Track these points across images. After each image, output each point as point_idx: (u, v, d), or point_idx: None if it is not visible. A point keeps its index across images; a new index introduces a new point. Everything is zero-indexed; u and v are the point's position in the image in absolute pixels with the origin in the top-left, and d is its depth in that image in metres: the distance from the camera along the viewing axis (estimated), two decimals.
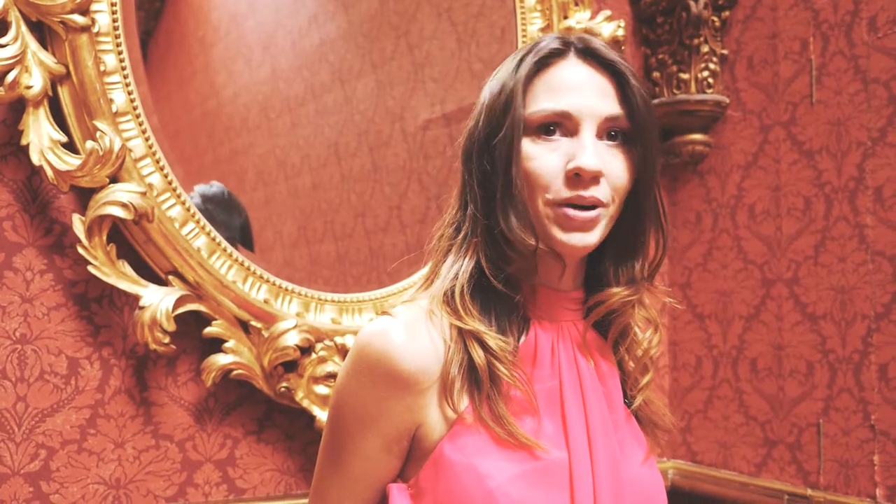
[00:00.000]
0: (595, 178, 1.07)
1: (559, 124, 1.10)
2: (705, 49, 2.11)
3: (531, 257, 1.10)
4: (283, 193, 1.91)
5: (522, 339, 1.12)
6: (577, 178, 1.07)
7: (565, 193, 1.07)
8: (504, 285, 1.11)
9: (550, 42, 1.13)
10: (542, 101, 1.10)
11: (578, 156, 1.07)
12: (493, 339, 1.07)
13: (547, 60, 1.12)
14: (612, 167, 1.10)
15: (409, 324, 1.08)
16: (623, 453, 1.12)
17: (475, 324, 1.07)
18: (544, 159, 1.09)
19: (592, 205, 1.08)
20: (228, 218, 1.76)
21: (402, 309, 1.11)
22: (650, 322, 1.20)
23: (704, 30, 2.10)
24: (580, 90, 1.09)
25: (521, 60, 1.12)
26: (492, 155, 1.11)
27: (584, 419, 1.10)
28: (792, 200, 1.96)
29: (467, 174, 1.16)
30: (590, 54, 1.12)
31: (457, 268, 1.13)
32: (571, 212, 1.07)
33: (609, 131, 1.11)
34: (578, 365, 1.13)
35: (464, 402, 1.06)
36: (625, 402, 1.19)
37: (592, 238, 1.09)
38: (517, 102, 1.09)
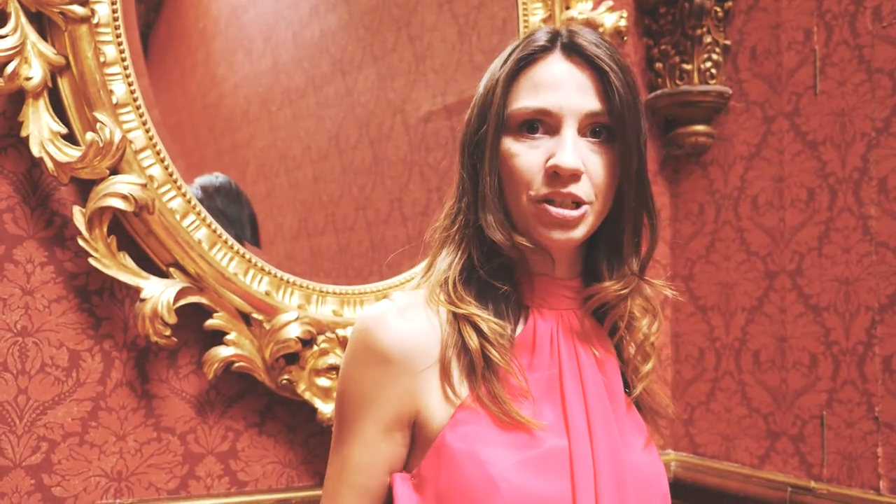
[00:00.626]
0: (574, 175, 1.08)
1: (541, 122, 1.11)
2: (708, 39, 2.10)
3: (513, 251, 1.11)
4: (283, 186, 1.90)
5: (521, 327, 1.13)
6: (555, 175, 1.08)
7: (544, 190, 1.09)
8: (498, 275, 1.13)
9: (540, 37, 1.14)
10: (524, 98, 1.11)
11: (557, 154, 1.08)
12: (486, 322, 1.08)
13: (532, 57, 1.13)
14: (593, 165, 1.10)
15: (405, 308, 1.10)
16: (623, 441, 1.13)
17: (470, 308, 1.08)
18: (525, 157, 1.10)
19: (574, 202, 1.09)
20: (238, 211, 1.75)
21: (401, 295, 1.13)
22: (647, 310, 1.21)
23: (707, 20, 2.09)
24: (561, 87, 1.10)
25: (509, 55, 1.14)
26: (477, 150, 1.14)
27: (584, 407, 1.11)
28: (795, 192, 1.95)
29: (461, 167, 1.18)
30: (574, 49, 1.12)
31: (450, 259, 1.15)
32: (552, 210, 1.08)
33: (592, 128, 1.12)
34: (578, 353, 1.14)
35: (464, 389, 1.07)
36: (625, 391, 1.20)
37: (575, 234, 1.11)
38: (497, 100, 1.11)
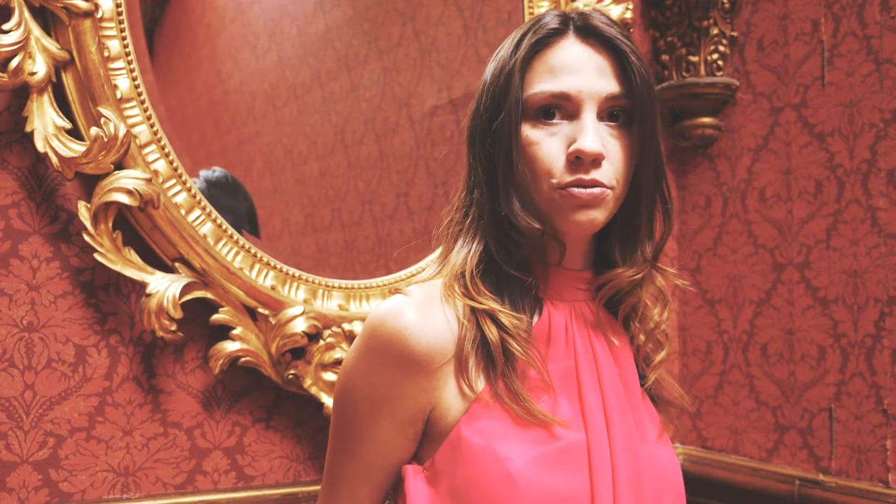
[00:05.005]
0: (596, 160, 1.06)
1: (559, 106, 1.08)
2: (715, 31, 2.09)
3: (538, 241, 1.09)
4: (290, 181, 1.90)
5: (536, 319, 1.11)
6: (578, 161, 1.06)
7: (568, 178, 1.07)
8: (515, 267, 1.11)
9: (550, 21, 1.11)
10: (541, 82, 1.09)
11: (579, 139, 1.06)
12: (506, 316, 1.06)
13: (546, 41, 1.10)
14: (612, 149, 1.09)
15: (422, 303, 1.07)
16: (640, 433, 1.12)
17: (489, 303, 1.07)
18: (545, 144, 1.08)
19: (595, 185, 1.07)
20: (234, 203, 1.75)
21: (416, 288, 1.11)
22: (658, 298, 1.19)
23: (714, 12, 2.07)
24: (580, 71, 1.08)
25: (520, 40, 1.11)
26: (493, 139, 1.10)
27: (601, 399, 1.09)
28: (803, 184, 1.94)
29: (472, 157, 1.15)
30: (590, 32, 1.10)
31: (465, 252, 1.13)
32: (577, 190, 1.06)
33: (610, 111, 1.10)
34: (593, 345, 1.13)
35: (480, 383, 1.06)
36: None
37: (599, 216, 1.09)
38: (515, 85, 1.08)
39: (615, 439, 1.07)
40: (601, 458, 1.04)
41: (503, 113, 1.09)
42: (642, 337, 1.21)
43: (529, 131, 1.09)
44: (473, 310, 1.07)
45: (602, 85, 1.08)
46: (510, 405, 1.04)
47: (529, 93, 1.09)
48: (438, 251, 1.21)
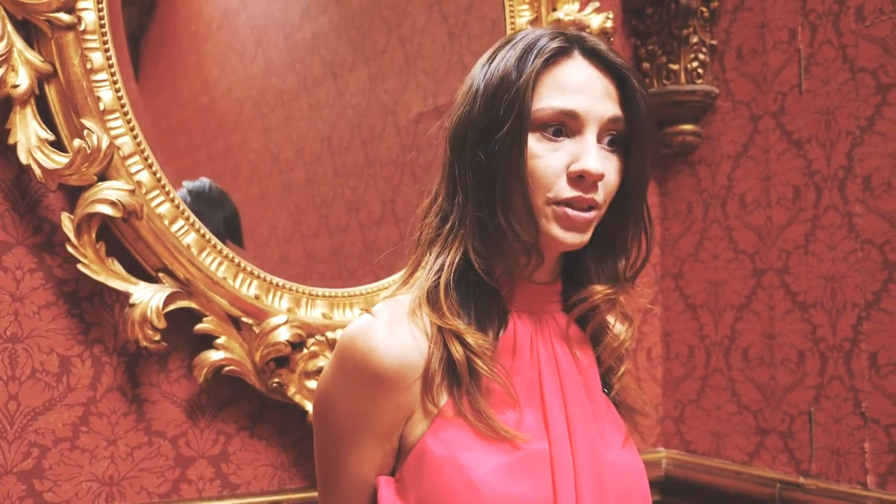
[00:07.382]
0: (596, 181, 1.08)
1: (563, 123, 1.09)
2: (694, 40, 2.11)
3: (525, 252, 1.11)
4: (277, 188, 1.91)
5: (502, 331, 1.13)
6: (580, 179, 1.08)
7: (567, 193, 1.08)
8: (490, 277, 1.12)
9: (554, 39, 1.11)
10: (550, 98, 1.09)
11: (583, 158, 1.07)
12: (472, 336, 1.08)
13: (554, 58, 1.11)
14: (608, 171, 1.11)
15: (390, 322, 1.09)
16: (603, 441, 1.14)
17: (455, 322, 1.08)
18: (547, 158, 1.09)
19: (589, 206, 1.09)
20: (211, 211, 1.75)
21: (383, 307, 1.12)
22: (625, 317, 1.22)
23: (693, 20, 2.10)
24: (587, 91, 1.10)
25: (524, 54, 1.10)
26: (491, 148, 1.09)
27: (564, 409, 1.11)
28: (782, 190, 1.97)
29: (457, 163, 1.14)
30: (595, 55, 1.12)
31: (442, 260, 1.12)
32: (572, 212, 1.08)
33: (607, 134, 1.12)
34: (557, 356, 1.15)
35: (444, 398, 1.08)
36: (604, 391, 1.21)
37: (586, 237, 1.11)
38: (526, 99, 1.08)
39: (578, 447, 1.09)
40: (564, 465, 1.06)
41: (509, 124, 1.08)
42: (606, 355, 1.23)
43: (533, 144, 1.09)
44: (440, 328, 1.09)
45: (606, 108, 1.10)
46: (476, 424, 1.06)
47: (536, 107, 1.09)
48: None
